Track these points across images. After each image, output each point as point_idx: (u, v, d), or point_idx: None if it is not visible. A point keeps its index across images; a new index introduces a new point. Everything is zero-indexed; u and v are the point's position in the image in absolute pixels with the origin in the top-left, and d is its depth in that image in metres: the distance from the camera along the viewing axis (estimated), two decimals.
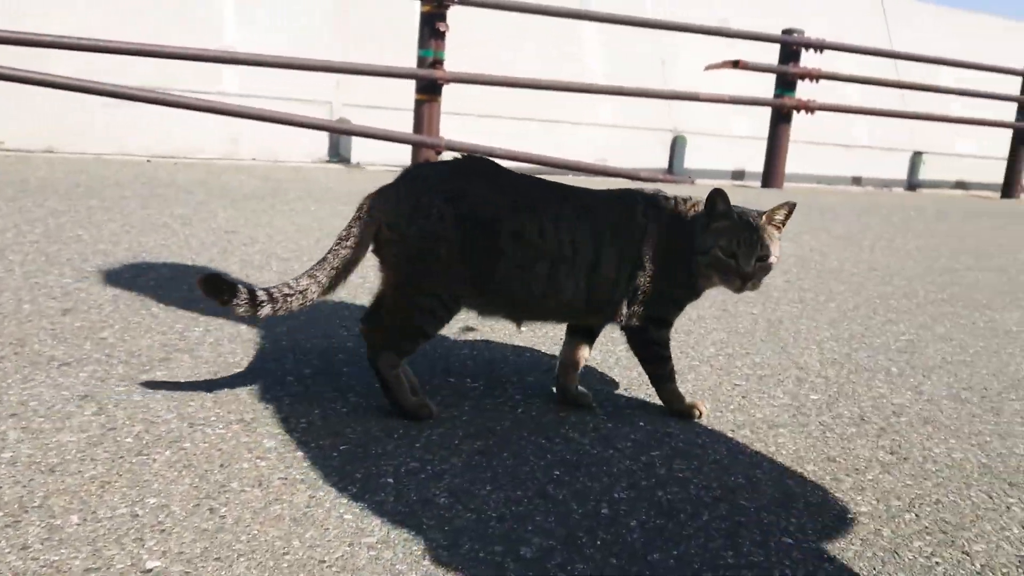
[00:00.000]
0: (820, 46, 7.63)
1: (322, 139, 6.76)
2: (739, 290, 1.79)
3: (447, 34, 6.12)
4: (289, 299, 1.64)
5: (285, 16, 6.73)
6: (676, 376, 1.92)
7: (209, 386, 1.83)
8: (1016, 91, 9.35)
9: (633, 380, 2.13)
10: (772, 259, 1.78)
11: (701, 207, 1.83)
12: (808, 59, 7.85)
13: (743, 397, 2.10)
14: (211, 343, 2.08)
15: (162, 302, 2.38)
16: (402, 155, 6.59)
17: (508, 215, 1.72)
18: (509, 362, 2.15)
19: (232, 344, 2.08)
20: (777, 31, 7.78)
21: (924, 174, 9.92)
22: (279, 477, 1.48)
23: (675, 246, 1.80)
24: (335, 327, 2.32)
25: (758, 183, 8.13)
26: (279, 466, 1.51)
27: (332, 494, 1.43)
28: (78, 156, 5.46)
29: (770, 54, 7.86)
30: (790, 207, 1.81)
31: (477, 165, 1.78)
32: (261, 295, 1.62)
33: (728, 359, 2.39)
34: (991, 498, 1.68)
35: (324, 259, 1.70)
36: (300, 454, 1.56)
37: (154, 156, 5.96)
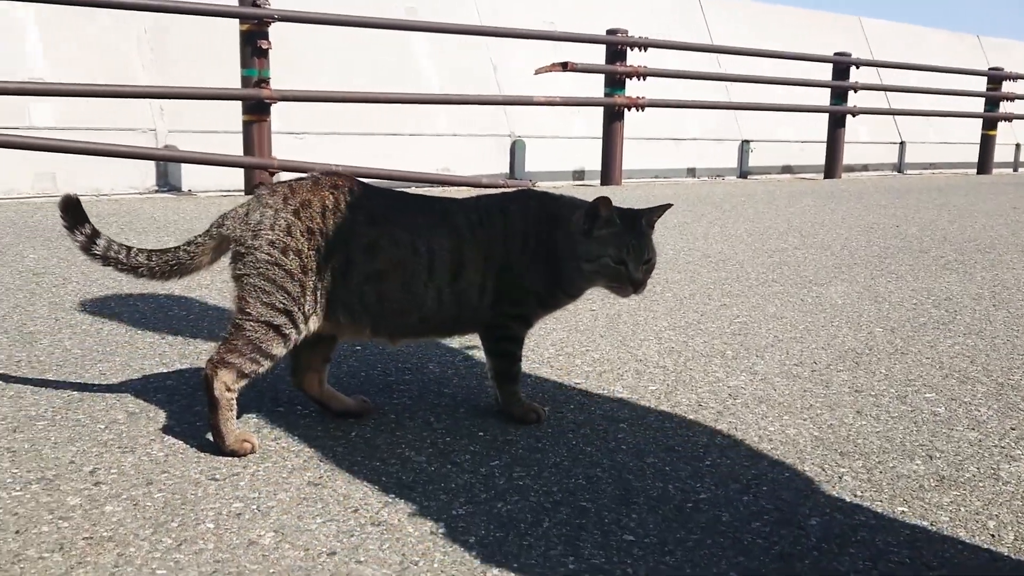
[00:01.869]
0: (644, 44, 7.83)
1: (149, 169, 6.43)
2: (628, 295, 1.79)
3: (271, 51, 5.94)
4: (118, 261, 1.73)
5: (97, 43, 6.38)
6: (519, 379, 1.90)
7: (6, 444, 1.66)
8: (829, 77, 9.89)
9: (472, 389, 2.09)
10: (654, 260, 1.80)
11: (575, 207, 1.81)
12: (636, 58, 8.05)
13: (583, 395, 2.09)
14: (11, 396, 1.90)
15: None
16: (237, 179, 6.36)
17: (361, 227, 1.70)
18: (343, 384, 2.06)
19: (35, 396, 1.91)
20: (603, 32, 7.94)
21: (753, 161, 10.35)
22: (83, 538, 1.34)
23: (546, 245, 1.79)
24: (154, 363, 2.18)
25: (597, 181, 8.28)
26: (84, 525, 1.38)
27: (144, 550, 1.32)
28: None
29: (601, 55, 8.02)
30: (665, 208, 1.83)
31: (332, 180, 1.75)
32: (102, 242, 1.72)
33: (568, 358, 2.38)
34: (824, 470, 1.72)
35: (166, 250, 1.75)
36: (109, 509, 1.44)
37: None
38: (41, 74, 6.10)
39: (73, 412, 1.83)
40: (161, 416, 1.83)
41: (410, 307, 1.74)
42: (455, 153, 7.91)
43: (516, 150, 8.28)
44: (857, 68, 9.90)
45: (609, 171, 7.98)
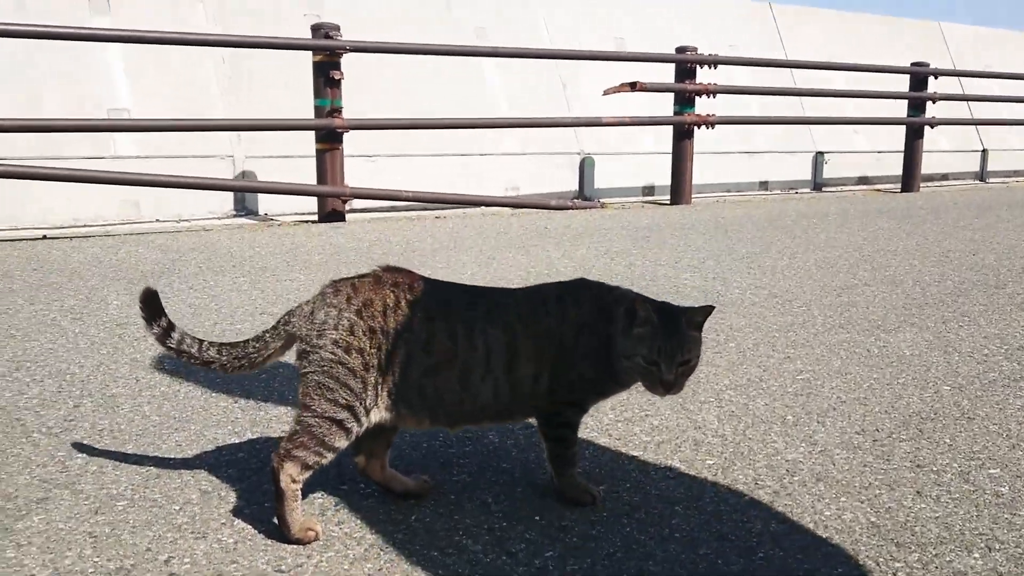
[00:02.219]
0: (714, 62, 7.78)
1: (228, 195, 6.65)
2: (663, 395, 1.81)
3: (344, 80, 6.09)
4: (191, 355, 1.85)
5: (178, 72, 6.61)
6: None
7: (88, 528, 1.77)
8: (906, 87, 9.67)
9: (530, 463, 2.13)
10: (693, 362, 1.80)
11: (627, 297, 1.84)
12: (706, 75, 8.00)
13: (640, 470, 2.12)
14: (94, 472, 2.01)
15: (45, 425, 2.30)
16: (311, 204, 6.55)
17: (419, 322, 1.76)
18: (404, 457, 2.13)
19: (116, 471, 2.02)
20: (672, 50, 7.91)
21: (828, 173, 10.19)
22: None
23: (598, 335, 1.83)
24: (226, 432, 2.28)
25: (668, 197, 8.25)
26: None
27: None
28: None
29: (669, 72, 7.99)
30: (709, 310, 1.82)
31: (393, 278, 1.82)
32: (176, 335, 1.85)
33: (626, 425, 2.41)
34: (878, 565, 1.71)
35: (236, 344, 1.86)
36: None
37: (50, 228, 5.79)
38: (125, 102, 6.35)
39: (150, 491, 1.93)
40: (232, 496, 1.92)
41: (467, 398, 1.80)
42: (524, 171, 7.97)
43: (585, 167, 8.31)
44: (936, 78, 9.66)
45: (679, 189, 7.95)
